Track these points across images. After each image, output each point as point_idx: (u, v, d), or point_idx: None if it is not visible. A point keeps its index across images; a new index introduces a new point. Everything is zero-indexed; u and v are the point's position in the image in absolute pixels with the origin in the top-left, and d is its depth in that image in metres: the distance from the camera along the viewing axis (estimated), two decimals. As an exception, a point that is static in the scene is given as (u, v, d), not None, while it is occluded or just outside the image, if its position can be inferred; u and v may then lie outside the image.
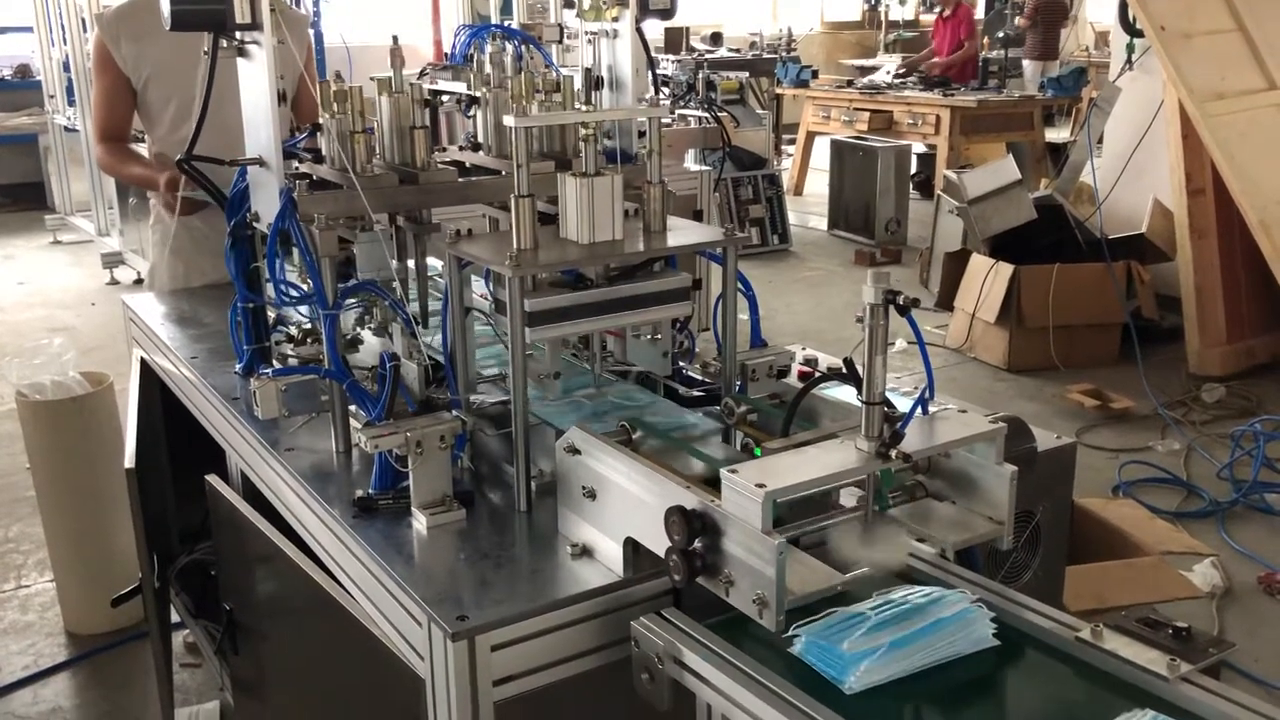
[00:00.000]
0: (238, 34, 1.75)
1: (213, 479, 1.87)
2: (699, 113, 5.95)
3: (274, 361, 1.93)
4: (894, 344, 5.32)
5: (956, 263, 5.39)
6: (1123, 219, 5.38)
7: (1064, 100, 8.75)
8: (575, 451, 1.40)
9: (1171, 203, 4.90)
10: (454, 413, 1.58)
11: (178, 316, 2.54)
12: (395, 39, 1.97)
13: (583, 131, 1.58)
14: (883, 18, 14.35)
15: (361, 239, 1.81)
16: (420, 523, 1.50)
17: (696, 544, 1.20)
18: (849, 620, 1.15)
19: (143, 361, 2.51)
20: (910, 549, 1.37)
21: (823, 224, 8.24)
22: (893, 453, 1.19)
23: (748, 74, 8.36)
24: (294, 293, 1.78)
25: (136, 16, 2.67)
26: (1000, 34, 11.28)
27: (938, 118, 8.23)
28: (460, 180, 1.86)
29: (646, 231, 1.65)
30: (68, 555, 2.94)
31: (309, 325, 1.95)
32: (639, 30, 2.09)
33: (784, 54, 11.70)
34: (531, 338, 1.56)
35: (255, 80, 1.78)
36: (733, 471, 1.15)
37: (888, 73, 9.57)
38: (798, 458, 1.22)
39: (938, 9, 10.56)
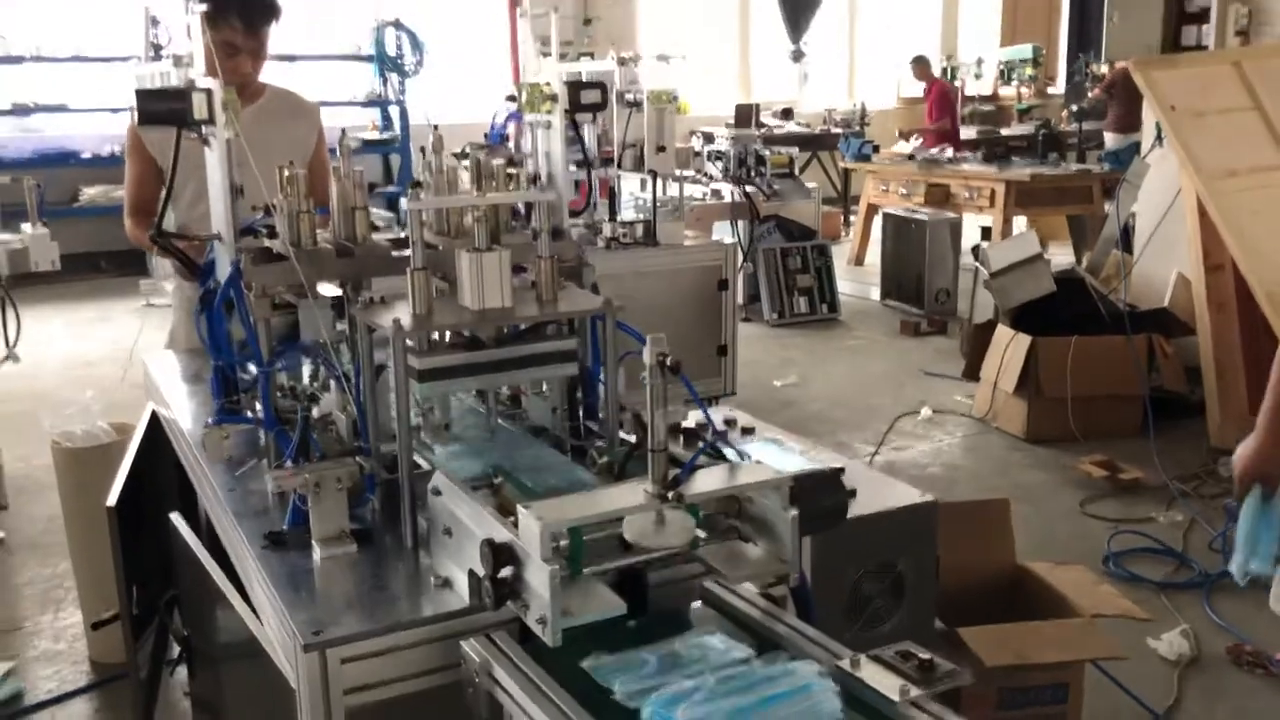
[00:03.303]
0: (200, 128, 2.01)
1: (174, 517, 2.11)
2: (726, 186, 6.16)
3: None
4: (920, 412, 5.42)
5: (983, 333, 5.47)
6: (1154, 292, 5.41)
7: (1120, 174, 8.73)
8: (438, 493, 1.60)
9: (1192, 277, 4.93)
10: (358, 459, 1.79)
11: (188, 374, 2.81)
12: (436, 128, 2.23)
13: (475, 214, 1.79)
14: (959, 92, 14.43)
15: (302, 305, 2.05)
16: (316, 555, 1.71)
17: (504, 572, 1.38)
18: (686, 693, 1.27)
19: (153, 412, 2.78)
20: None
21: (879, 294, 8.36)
22: (670, 494, 1.36)
23: (798, 148, 8.54)
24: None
25: (163, 105, 2.99)
26: (1075, 106, 11.29)
27: (992, 191, 8.32)
28: (394, 254, 2.09)
29: (538, 299, 1.85)
30: (92, 590, 3.22)
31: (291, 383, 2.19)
32: (573, 121, 2.33)
33: (852, 129, 11.91)
34: (422, 393, 1.76)
35: (214, 166, 2.04)
36: (526, 508, 1.33)
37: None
38: (592, 497, 1.40)
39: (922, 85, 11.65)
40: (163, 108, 1.97)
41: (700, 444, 1.69)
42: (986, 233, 9.37)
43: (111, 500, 2.28)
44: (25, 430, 4.43)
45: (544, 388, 1.94)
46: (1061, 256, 8.81)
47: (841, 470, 2.00)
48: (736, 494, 1.45)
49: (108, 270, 9.66)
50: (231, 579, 1.89)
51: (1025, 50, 13.44)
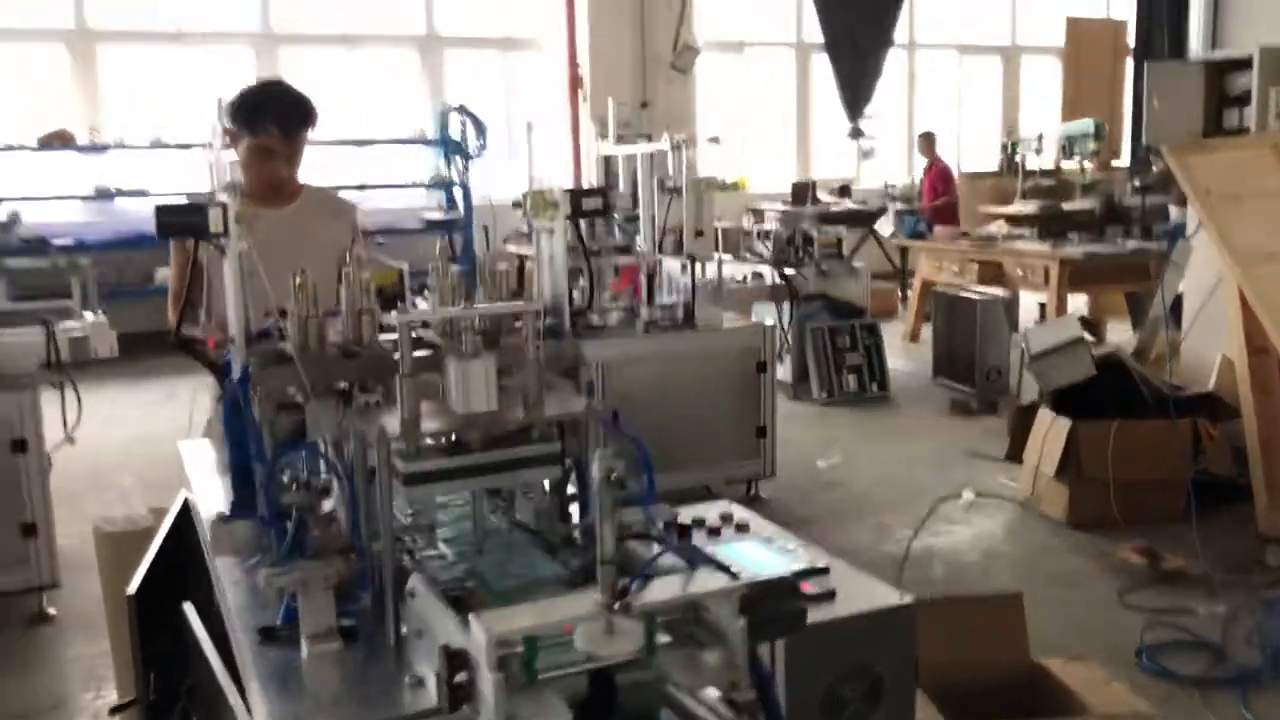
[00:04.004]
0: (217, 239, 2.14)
1: (186, 607, 2.21)
2: (766, 268, 6.23)
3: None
4: (962, 496, 5.38)
5: (1026, 415, 5.43)
6: (1201, 373, 5.35)
7: (1176, 251, 8.63)
8: (414, 595, 1.67)
9: (1235, 360, 4.86)
10: (349, 557, 1.87)
11: (220, 464, 2.93)
12: (485, 228, 2.35)
13: (463, 323, 1.88)
14: (1020, 166, 14.41)
15: (309, 406, 2.15)
16: (303, 651, 1.78)
17: (459, 677, 1.44)
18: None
19: (185, 500, 2.90)
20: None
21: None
22: (617, 605, 1.41)
23: (845, 227, 8.60)
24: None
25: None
26: (1139, 181, 11.21)
27: (1046, 269, 8.28)
28: (396, 357, 2.19)
29: (524, 404, 1.93)
30: (126, 673, 3.31)
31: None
32: (577, 226, 2.43)
33: (910, 205, 11.95)
34: (410, 496, 1.84)
35: (229, 275, 2.16)
36: (476, 616, 1.39)
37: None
38: (544, 606, 1.45)
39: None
40: (180, 221, 2.10)
41: (657, 549, 1.73)
42: (1044, 310, 9.34)
43: (131, 588, 2.39)
44: (82, 509, 4.60)
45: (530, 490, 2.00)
46: (1120, 334, 8.72)
47: (825, 570, 2.05)
48: (686, 603, 1.49)
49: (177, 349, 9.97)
50: (233, 671, 1.97)
51: (1087, 125, 13.41)
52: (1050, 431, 4.99)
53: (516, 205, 2.32)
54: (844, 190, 12.16)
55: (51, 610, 4.22)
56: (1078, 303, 9.55)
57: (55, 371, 4.23)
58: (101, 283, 8.28)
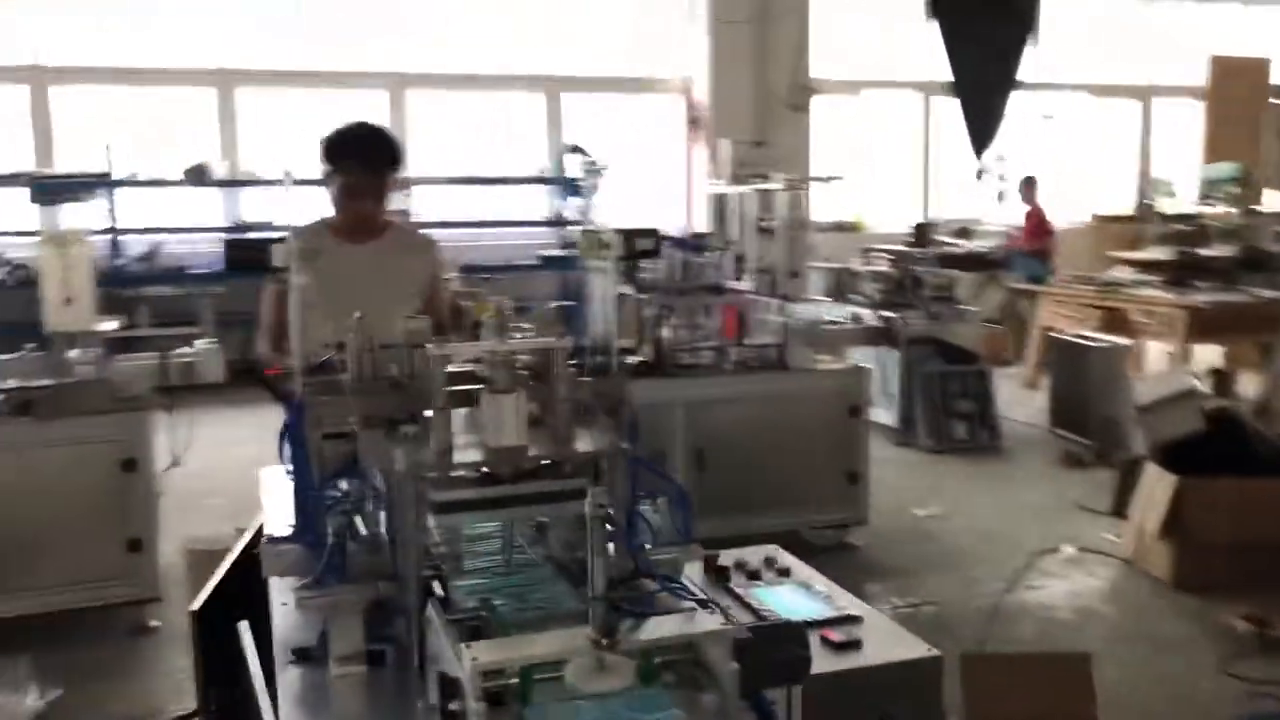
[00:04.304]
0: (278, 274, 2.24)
1: (241, 625, 2.29)
2: (865, 311, 6.16)
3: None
4: (1061, 550, 5.19)
5: (1133, 469, 5.23)
6: (1329, 432, 5.06)
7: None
8: (430, 623, 1.71)
9: (1361, 418, 4.59)
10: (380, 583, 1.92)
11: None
12: (485, 277, 2.42)
13: (493, 359, 1.93)
14: (1155, 210, 13.91)
15: (361, 435, 2.22)
16: (330, 673, 1.84)
17: (454, 705, 1.46)
18: None
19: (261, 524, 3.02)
20: None
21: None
22: (605, 641, 1.42)
23: (959, 270, 8.44)
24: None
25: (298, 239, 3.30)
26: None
27: (1171, 318, 7.96)
28: (445, 389, 2.25)
29: (554, 439, 1.96)
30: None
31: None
32: (628, 263, 2.45)
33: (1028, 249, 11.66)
34: (438, 525, 1.89)
35: (292, 307, 2.26)
36: (467, 646, 1.42)
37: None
38: (537, 639, 1.47)
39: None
40: (246, 256, 2.21)
41: (656, 587, 1.74)
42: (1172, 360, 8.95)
43: (196, 604, 2.49)
44: (186, 527, 4.79)
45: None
46: (1253, 386, 8.31)
47: (856, 619, 2.02)
48: (676, 643, 1.49)
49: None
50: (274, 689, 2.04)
51: (1229, 168, 12.90)
52: (1156, 487, 4.79)
53: (568, 245, 2.34)
54: (964, 232, 11.93)
55: (154, 623, 4.41)
56: (1211, 354, 9.15)
57: (166, 395, 4.45)
58: (228, 311, 8.67)
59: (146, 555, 4.35)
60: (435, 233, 10.54)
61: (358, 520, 2.17)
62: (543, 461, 1.90)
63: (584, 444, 1.95)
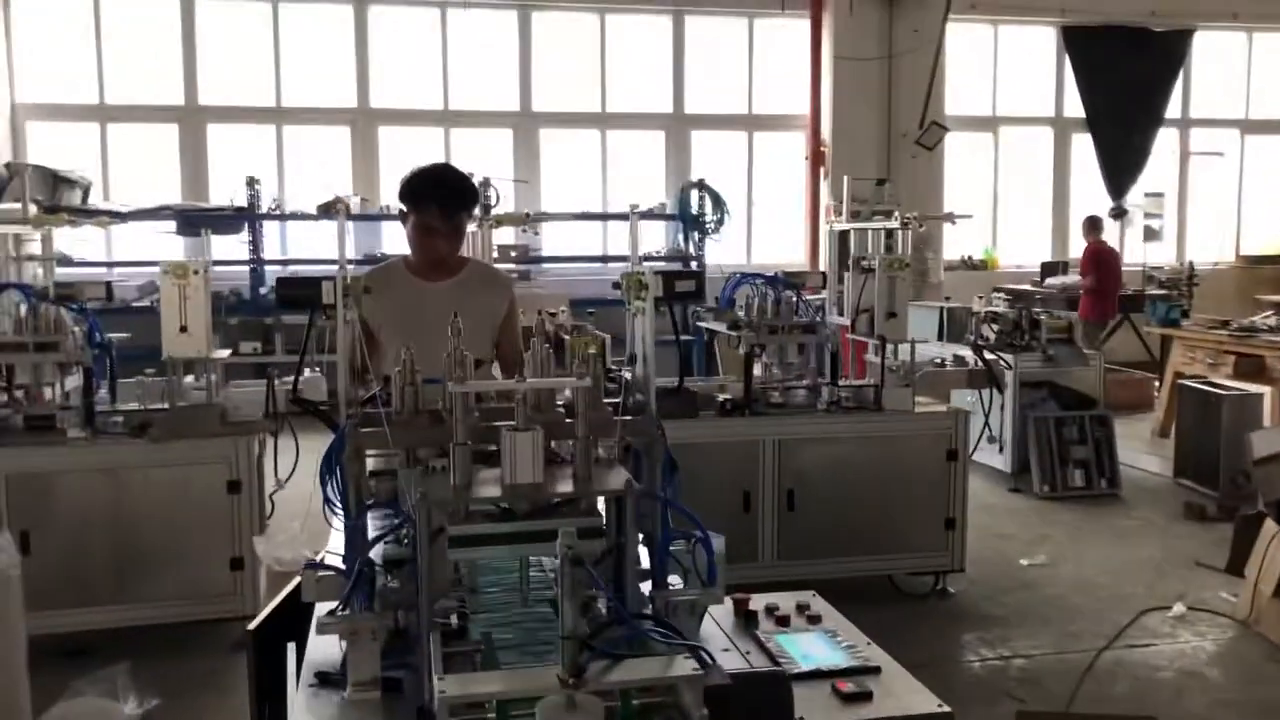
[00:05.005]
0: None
1: (288, 645, 2.39)
2: (966, 352, 6.01)
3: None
4: (1172, 608, 4.95)
5: (1251, 525, 4.96)
6: None
7: None
8: (430, 653, 1.76)
9: None
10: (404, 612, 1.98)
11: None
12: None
13: (516, 397, 1.98)
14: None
15: (400, 469, 2.30)
16: (346, 697, 1.90)
17: (430, 735, 1.51)
18: None
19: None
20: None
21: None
22: (571, 681, 1.44)
23: (1076, 313, 8.16)
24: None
25: (375, 277, 3.43)
26: None
27: (1311, 365, 7.53)
28: (483, 425, 2.31)
29: (574, 477, 1.99)
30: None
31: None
32: (669, 305, 2.48)
33: (1176, 288, 11.18)
34: (455, 556, 1.94)
35: (340, 342, 2.36)
36: (441, 679, 1.46)
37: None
38: (509, 675, 1.50)
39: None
40: (297, 294, 2.32)
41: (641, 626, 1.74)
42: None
43: (253, 623, 2.60)
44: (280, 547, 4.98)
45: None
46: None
47: (874, 670, 1.98)
48: (644, 685, 1.50)
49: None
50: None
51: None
52: (1273, 545, 4.54)
53: (615, 286, 2.37)
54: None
55: (252, 635, 4.59)
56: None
57: (273, 420, 4.64)
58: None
59: (247, 574, 4.55)
60: (552, 267, 10.78)
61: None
62: (557, 499, 1.94)
63: (598, 483, 1.98)
